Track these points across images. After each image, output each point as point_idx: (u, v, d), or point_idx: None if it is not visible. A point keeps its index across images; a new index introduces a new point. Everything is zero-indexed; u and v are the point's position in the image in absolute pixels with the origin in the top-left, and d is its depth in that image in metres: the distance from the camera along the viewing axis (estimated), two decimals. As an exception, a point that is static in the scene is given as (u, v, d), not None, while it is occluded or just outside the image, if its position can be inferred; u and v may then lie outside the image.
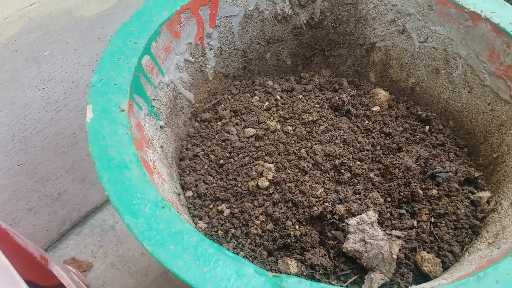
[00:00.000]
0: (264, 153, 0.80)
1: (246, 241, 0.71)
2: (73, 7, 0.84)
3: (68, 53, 0.88)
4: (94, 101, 0.58)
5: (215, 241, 0.71)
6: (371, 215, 0.69)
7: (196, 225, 0.71)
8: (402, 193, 0.75)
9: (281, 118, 0.88)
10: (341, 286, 0.66)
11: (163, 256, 0.46)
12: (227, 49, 0.92)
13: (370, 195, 0.76)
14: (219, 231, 0.72)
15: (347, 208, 0.72)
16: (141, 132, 0.62)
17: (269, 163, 0.79)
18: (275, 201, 0.74)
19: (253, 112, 0.91)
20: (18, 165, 0.91)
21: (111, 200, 0.48)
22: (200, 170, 0.80)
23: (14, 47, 0.78)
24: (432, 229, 0.71)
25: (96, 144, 0.53)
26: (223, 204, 0.75)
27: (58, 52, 0.86)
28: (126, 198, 0.49)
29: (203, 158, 0.82)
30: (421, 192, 0.74)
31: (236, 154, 0.81)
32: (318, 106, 0.92)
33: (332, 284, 0.66)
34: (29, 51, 0.81)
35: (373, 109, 0.92)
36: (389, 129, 0.87)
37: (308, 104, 0.92)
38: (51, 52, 0.84)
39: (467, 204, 0.74)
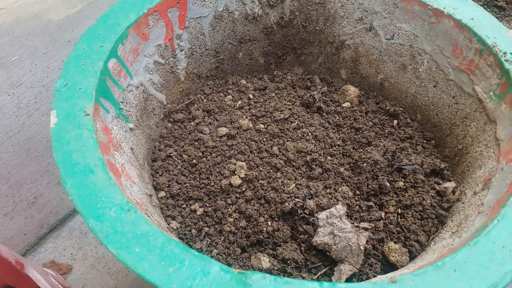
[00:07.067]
0: (236, 152, 0.81)
1: (220, 239, 0.72)
2: (40, 12, 0.83)
3: (37, 57, 0.87)
4: (59, 106, 0.58)
5: (188, 240, 0.72)
6: (340, 209, 0.71)
7: (169, 225, 0.72)
8: (370, 186, 0.77)
9: (253, 117, 0.90)
10: (311, 279, 0.68)
11: (128, 259, 0.47)
12: (199, 49, 0.92)
13: (340, 189, 0.78)
14: (193, 230, 0.73)
15: (317, 202, 0.73)
16: (108, 135, 0.62)
17: (241, 161, 0.80)
18: (248, 198, 0.75)
19: (226, 111, 0.91)
20: (-9, 171, 0.91)
21: (75, 204, 0.49)
22: (173, 171, 0.81)
23: (-20, 53, 0.78)
24: (399, 220, 0.74)
25: (60, 149, 0.54)
26: (196, 203, 0.76)
27: (26, 57, 0.85)
28: (90, 202, 0.50)
29: (176, 159, 0.82)
30: (388, 184, 0.76)
31: (208, 153, 0.82)
32: (290, 103, 0.93)
33: (303, 277, 0.68)
34: (-4, 57, 0.80)
35: (344, 105, 0.94)
36: (359, 124, 0.89)
37: (280, 102, 0.93)
38: (20, 57, 0.84)
39: (433, 194, 0.77)
